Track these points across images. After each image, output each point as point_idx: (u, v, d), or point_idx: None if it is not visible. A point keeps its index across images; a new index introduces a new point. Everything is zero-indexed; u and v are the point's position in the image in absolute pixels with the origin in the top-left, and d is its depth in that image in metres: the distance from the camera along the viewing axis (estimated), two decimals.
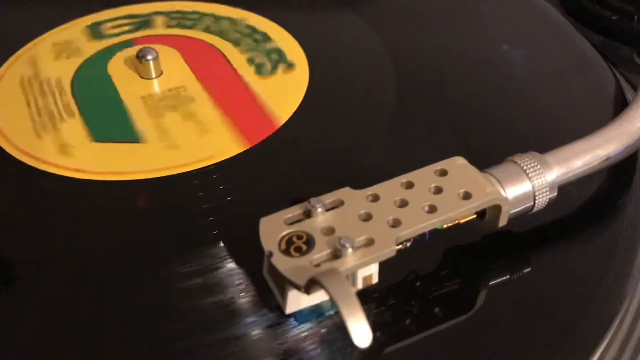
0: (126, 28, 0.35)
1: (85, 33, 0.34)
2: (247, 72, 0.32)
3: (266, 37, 0.34)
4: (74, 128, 0.29)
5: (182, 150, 0.28)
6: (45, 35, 0.35)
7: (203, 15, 0.35)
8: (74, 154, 0.28)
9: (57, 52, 0.33)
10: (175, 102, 0.30)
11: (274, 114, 0.29)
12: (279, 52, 0.33)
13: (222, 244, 0.24)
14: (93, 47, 0.33)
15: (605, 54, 0.34)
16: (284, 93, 0.30)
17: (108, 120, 0.29)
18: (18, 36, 0.35)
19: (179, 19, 0.35)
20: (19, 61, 0.33)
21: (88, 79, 0.32)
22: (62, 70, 0.32)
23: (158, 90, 0.31)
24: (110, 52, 0.33)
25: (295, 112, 0.29)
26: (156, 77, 0.31)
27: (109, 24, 0.35)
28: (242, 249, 0.23)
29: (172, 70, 0.32)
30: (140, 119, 0.29)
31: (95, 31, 0.34)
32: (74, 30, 0.35)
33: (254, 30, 0.34)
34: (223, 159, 0.27)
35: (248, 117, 0.29)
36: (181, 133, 0.28)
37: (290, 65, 0.32)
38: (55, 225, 0.25)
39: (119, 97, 0.30)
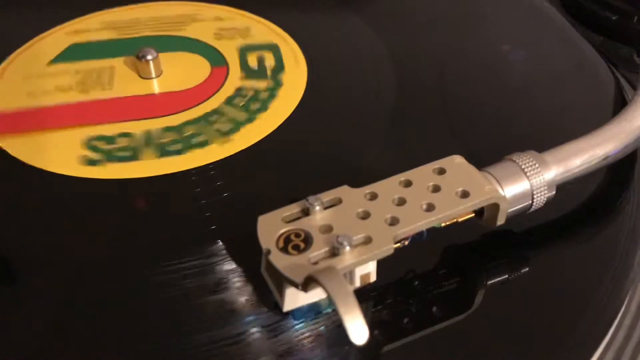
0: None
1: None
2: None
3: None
4: None
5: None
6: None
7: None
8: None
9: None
10: None
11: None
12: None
13: (220, 243, 0.24)
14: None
15: (605, 54, 0.34)
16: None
17: None
18: (16, 33, 0.35)
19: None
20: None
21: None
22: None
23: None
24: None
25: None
26: (156, 77, 0.31)
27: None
28: (242, 247, 0.23)
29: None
30: None
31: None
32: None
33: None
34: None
35: None
36: None
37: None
38: (54, 224, 0.25)
39: None
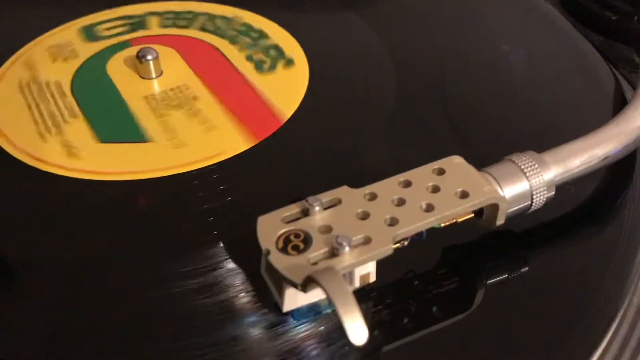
0: (121, 29, 0.35)
1: (79, 35, 0.34)
2: (246, 69, 0.32)
3: (263, 35, 0.34)
4: (78, 129, 0.29)
5: (190, 148, 0.28)
6: (39, 39, 0.35)
7: (197, 14, 0.35)
8: (79, 155, 0.28)
9: (54, 55, 0.33)
10: (179, 100, 0.30)
11: (277, 110, 0.29)
12: (277, 49, 0.33)
13: (222, 244, 0.24)
14: (89, 49, 0.33)
15: (605, 54, 0.34)
16: (285, 90, 0.31)
17: (112, 120, 0.29)
18: (12, 40, 0.35)
19: (173, 18, 0.35)
20: (16, 65, 0.33)
21: (88, 81, 0.32)
22: (61, 73, 0.32)
23: (159, 89, 0.31)
24: (107, 53, 0.33)
25: (297, 110, 0.29)
26: (156, 77, 0.31)
27: (104, 26, 0.35)
28: (242, 247, 0.23)
29: (172, 69, 0.32)
30: (145, 119, 0.29)
31: (90, 33, 0.34)
32: (67, 33, 0.35)
33: (250, 28, 0.34)
34: (231, 155, 0.27)
35: (252, 114, 0.29)
36: (187, 131, 0.29)
37: (289, 62, 0.32)
38: (61, 226, 0.25)
39: (121, 98, 0.30)
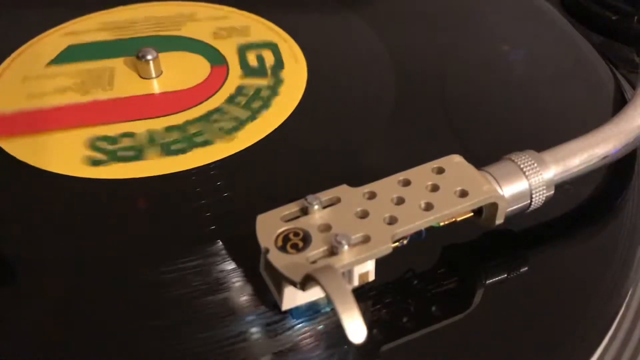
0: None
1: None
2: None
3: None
4: None
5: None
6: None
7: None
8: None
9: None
10: None
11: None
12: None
13: (221, 243, 0.24)
14: None
15: (605, 54, 0.34)
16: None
17: None
18: (11, 36, 0.35)
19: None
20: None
21: None
22: None
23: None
24: None
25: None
26: (156, 77, 0.31)
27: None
28: (241, 246, 0.23)
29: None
30: None
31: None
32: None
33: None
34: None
35: None
36: None
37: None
38: (54, 224, 0.25)
39: None
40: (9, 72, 0.32)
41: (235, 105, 0.30)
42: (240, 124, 0.29)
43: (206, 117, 0.29)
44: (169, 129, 0.29)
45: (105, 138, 0.28)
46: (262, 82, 0.31)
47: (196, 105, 0.30)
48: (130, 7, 0.36)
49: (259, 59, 0.32)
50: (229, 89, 0.31)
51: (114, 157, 0.27)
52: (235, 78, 0.31)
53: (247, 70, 0.32)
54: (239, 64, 0.32)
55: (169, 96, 0.30)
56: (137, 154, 0.27)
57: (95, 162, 0.27)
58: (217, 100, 0.30)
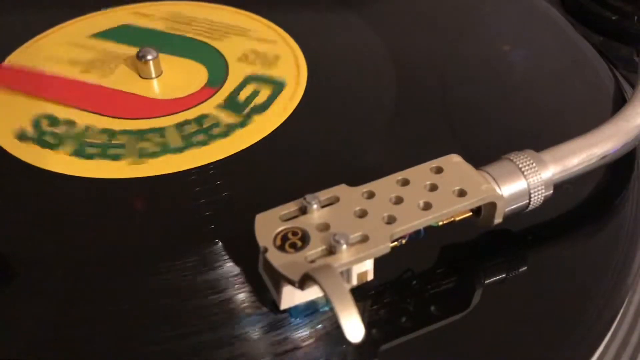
0: None
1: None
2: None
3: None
4: None
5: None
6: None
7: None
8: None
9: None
10: None
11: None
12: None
13: (219, 242, 0.24)
14: None
15: (605, 54, 0.34)
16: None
17: None
18: (19, 33, 0.35)
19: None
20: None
21: None
22: None
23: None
24: None
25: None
26: (156, 77, 0.31)
27: None
28: (241, 246, 0.24)
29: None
30: None
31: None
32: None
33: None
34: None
35: None
36: None
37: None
38: (53, 224, 0.25)
39: None
40: (60, 33, 0.34)
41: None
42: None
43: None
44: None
45: (53, 119, 0.29)
46: (229, 118, 0.29)
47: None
48: (202, 3, 0.36)
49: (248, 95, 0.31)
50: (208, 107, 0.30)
51: (41, 142, 0.28)
52: (211, 105, 0.30)
53: (227, 102, 0.30)
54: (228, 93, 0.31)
55: (151, 102, 0.30)
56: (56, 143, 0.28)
57: (23, 137, 0.28)
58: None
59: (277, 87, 0.31)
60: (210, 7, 0.36)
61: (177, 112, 0.29)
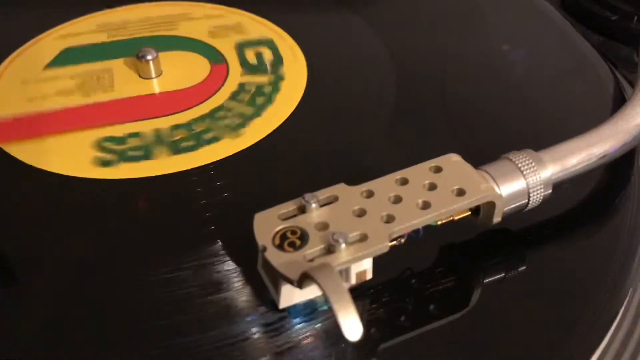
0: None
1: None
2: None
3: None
4: None
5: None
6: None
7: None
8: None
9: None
10: None
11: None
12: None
13: (219, 241, 0.24)
14: None
15: (605, 54, 0.34)
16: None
17: None
18: (5, 40, 0.35)
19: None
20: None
21: None
22: None
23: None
24: None
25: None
26: (156, 76, 0.31)
27: None
28: (240, 244, 0.24)
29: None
30: None
31: None
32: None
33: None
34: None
35: None
36: None
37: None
38: (54, 224, 0.25)
39: None
40: (6, 76, 0.32)
41: (238, 102, 0.30)
42: (245, 119, 0.29)
43: (211, 115, 0.29)
44: (175, 127, 0.29)
45: (112, 139, 0.28)
46: (263, 78, 0.31)
47: (200, 104, 0.30)
48: (124, 8, 0.36)
49: (257, 56, 0.32)
50: (230, 86, 0.31)
51: (123, 157, 0.27)
52: (236, 75, 0.31)
53: (248, 68, 0.32)
54: (239, 62, 0.32)
55: (171, 95, 0.30)
56: (145, 154, 0.27)
57: (105, 163, 0.27)
58: (220, 98, 0.30)
59: (271, 44, 0.32)
60: (129, 9, 0.36)
61: (216, 92, 0.30)
